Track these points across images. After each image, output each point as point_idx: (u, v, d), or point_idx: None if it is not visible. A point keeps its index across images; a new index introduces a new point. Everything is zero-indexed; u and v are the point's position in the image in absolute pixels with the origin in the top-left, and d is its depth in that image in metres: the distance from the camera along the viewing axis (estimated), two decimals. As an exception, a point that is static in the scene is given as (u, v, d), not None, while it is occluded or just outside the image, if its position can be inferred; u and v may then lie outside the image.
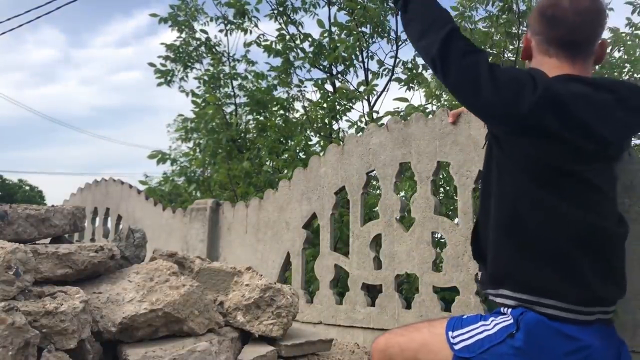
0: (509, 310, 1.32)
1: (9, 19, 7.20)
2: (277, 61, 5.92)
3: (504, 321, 1.31)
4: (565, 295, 1.28)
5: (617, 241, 1.40)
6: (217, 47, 6.50)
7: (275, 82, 6.20)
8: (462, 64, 1.38)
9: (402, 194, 4.73)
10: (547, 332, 1.26)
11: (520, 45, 5.00)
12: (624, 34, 5.00)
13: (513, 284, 1.33)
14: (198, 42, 6.48)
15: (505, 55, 4.95)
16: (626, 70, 4.75)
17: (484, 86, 1.33)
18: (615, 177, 1.46)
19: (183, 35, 6.41)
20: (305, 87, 6.10)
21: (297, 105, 6.11)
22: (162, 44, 6.44)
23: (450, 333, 1.38)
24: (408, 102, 4.42)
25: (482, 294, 1.47)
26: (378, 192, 4.08)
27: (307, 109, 5.90)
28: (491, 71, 1.34)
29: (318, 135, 5.85)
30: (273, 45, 5.94)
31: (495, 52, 4.92)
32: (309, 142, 5.78)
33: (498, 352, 1.28)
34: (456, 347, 1.35)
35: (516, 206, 1.35)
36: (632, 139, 1.51)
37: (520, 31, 4.90)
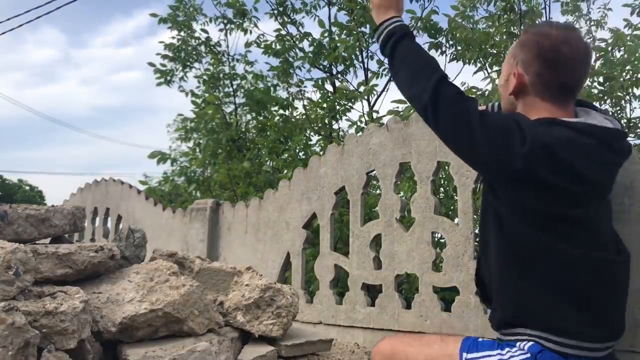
0: (526, 345, 1.31)
1: (9, 19, 7.21)
2: (277, 61, 5.93)
3: (521, 354, 1.31)
4: (584, 334, 1.30)
5: (620, 271, 1.42)
6: (217, 47, 6.50)
7: (275, 82, 6.20)
8: (453, 111, 1.37)
9: (402, 194, 4.73)
10: None
11: None
12: (624, 34, 5.00)
13: (529, 325, 1.33)
14: (197, 42, 6.48)
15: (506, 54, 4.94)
16: (627, 69, 4.75)
17: (476, 135, 1.32)
18: (609, 207, 1.50)
19: (182, 34, 6.40)
20: (305, 87, 6.10)
21: (298, 103, 6.11)
22: (160, 42, 6.45)
23: (464, 354, 1.38)
24: (406, 104, 4.43)
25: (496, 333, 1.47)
26: (378, 192, 4.08)
27: (307, 107, 5.91)
28: (482, 119, 1.34)
29: (318, 135, 5.86)
30: (273, 46, 5.94)
31: (495, 52, 4.92)
32: (309, 142, 5.78)
33: None
34: None
35: (519, 251, 1.35)
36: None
37: (520, 31, 4.90)
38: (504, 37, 4.93)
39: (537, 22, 5.29)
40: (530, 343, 1.31)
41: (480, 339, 1.44)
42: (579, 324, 1.30)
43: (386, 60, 1.61)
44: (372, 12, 1.63)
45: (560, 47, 1.42)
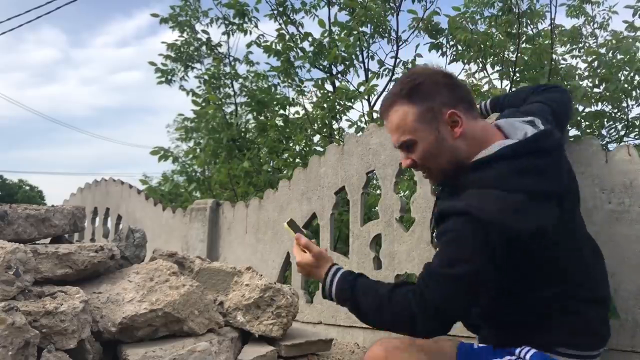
0: (528, 354, 1.31)
1: (9, 19, 7.22)
2: (278, 61, 5.92)
3: None
4: (581, 345, 1.32)
5: (603, 273, 1.45)
6: (218, 48, 6.51)
7: (276, 81, 6.20)
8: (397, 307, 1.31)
9: (401, 194, 4.73)
10: None
11: (522, 44, 5.01)
12: (622, 36, 5.01)
13: (530, 343, 1.33)
14: (199, 42, 6.48)
15: (506, 54, 4.94)
16: (627, 72, 4.76)
17: (465, 294, 1.26)
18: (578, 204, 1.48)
19: (185, 35, 6.40)
20: (305, 86, 6.10)
21: (303, 101, 6.11)
22: (163, 42, 6.45)
23: None
24: None
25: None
26: (378, 192, 4.08)
27: (307, 107, 5.91)
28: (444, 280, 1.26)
29: (318, 135, 5.86)
30: (273, 46, 5.94)
31: (496, 51, 4.92)
32: (309, 142, 5.78)
33: None
34: None
35: (512, 291, 1.34)
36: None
37: (520, 31, 4.91)
38: (504, 37, 4.93)
39: (534, 23, 5.30)
40: (533, 351, 1.30)
41: (475, 346, 1.43)
42: (575, 338, 1.32)
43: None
44: (306, 276, 1.65)
45: (439, 71, 1.42)
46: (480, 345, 1.43)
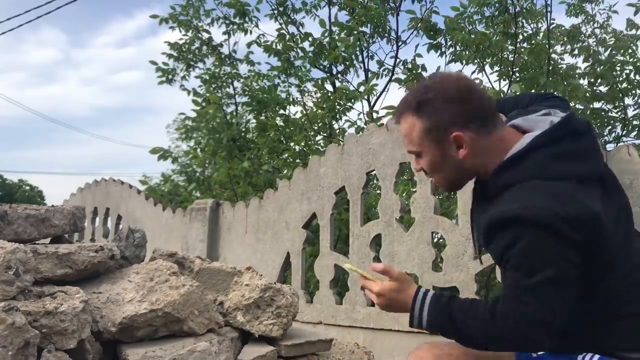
0: (594, 358, 1.26)
1: (9, 19, 7.22)
2: (278, 61, 5.92)
3: None
4: None
5: None
6: (220, 48, 6.50)
7: (276, 81, 6.20)
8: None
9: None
10: None
11: (520, 44, 5.01)
12: (622, 34, 5.02)
13: (592, 349, 1.28)
14: (200, 42, 6.48)
15: (504, 55, 4.94)
16: (628, 71, 4.77)
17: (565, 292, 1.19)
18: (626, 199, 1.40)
19: (189, 34, 6.39)
20: (305, 86, 6.10)
21: (303, 99, 6.10)
22: (166, 42, 6.44)
23: None
24: (393, 109, 4.45)
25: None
26: (378, 192, 4.08)
27: (308, 107, 5.91)
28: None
29: (318, 134, 5.86)
30: (273, 46, 5.94)
31: (495, 52, 4.92)
32: (309, 142, 5.78)
33: None
34: None
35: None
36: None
37: (517, 31, 4.91)
38: (501, 37, 4.93)
39: (532, 22, 5.29)
40: (597, 357, 1.25)
41: (534, 355, 1.37)
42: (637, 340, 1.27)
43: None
44: (390, 311, 1.40)
45: (455, 84, 1.33)
46: (540, 353, 1.37)
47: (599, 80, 4.54)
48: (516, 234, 1.18)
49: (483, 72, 5.16)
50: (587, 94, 4.50)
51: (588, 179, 1.24)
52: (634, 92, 4.86)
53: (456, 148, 1.32)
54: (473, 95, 1.33)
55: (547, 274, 1.16)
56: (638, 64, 4.84)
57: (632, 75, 4.90)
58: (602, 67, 4.53)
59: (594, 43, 5.54)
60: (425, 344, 1.47)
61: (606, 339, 1.26)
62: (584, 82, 4.65)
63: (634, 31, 5.12)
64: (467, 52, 5.03)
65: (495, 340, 1.25)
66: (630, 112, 4.81)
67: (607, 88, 4.49)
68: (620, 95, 4.64)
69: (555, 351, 1.32)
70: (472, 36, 4.86)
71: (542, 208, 1.16)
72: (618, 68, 4.72)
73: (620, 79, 4.67)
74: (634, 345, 1.25)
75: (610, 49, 4.91)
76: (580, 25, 5.66)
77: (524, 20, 5.19)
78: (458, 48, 5.22)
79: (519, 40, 4.94)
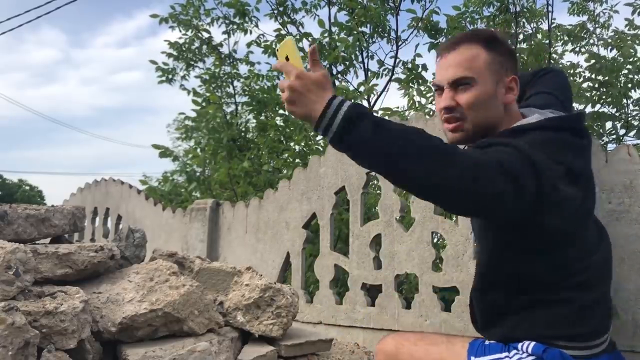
0: (529, 346, 1.30)
1: (9, 19, 7.22)
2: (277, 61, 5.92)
3: (528, 357, 1.29)
4: (580, 336, 1.30)
5: (605, 269, 1.43)
6: (220, 47, 6.50)
7: (276, 81, 6.20)
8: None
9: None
10: None
11: (520, 44, 5.00)
12: (624, 34, 5.01)
13: (533, 337, 1.32)
14: (201, 41, 6.47)
15: None
16: (627, 71, 4.76)
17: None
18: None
19: (189, 33, 6.38)
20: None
21: None
22: (166, 41, 6.44)
23: (472, 358, 1.37)
24: (391, 111, 4.49)
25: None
26: (378, 192, 4.08)
27: None
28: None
29: (318, 135, 5.86)
30: (273, 46, 5.94)
31: None
32: (309, 142, 5.78)
33: None
34: None
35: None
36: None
37: (517, 30, 4.91)
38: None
39: (532, 22, 5.30)
40: (533, 343, 1.30)
41: (487, 342, 1.42)
42: (574, 329, 1.31)
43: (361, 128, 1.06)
44: (292, 108, 1.13)
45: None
46: (491, 341, 1.42)
47: (603, 88, 4.54)
48: (500, 145, 1.21)
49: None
50: (587, 97, 4.50)
51: (577, 174, 1.28)
52: (634, 91, 4.85)
53: (506, 91, 1.38)
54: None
55: (513, 155, 1.14)
56: (639, 64, 4.84)
57: (631, 76, 4.90)
58: (605, 71, 4.52)
59: (597, 43, 5.53)
60: (387, 335, 1.52)
61: (539, 324, 1.30)
62: (584, 85, 4.64)
63: (632, 31, 5.12)
64: None
65: (443, 175, 1.02)
66: (630, 111, 4.81)
67: (615, 93, 4.48)
68: (621, 95, 4.63)
69: (506, 340, 1.36)
70: None
71: (532, 150, 1.19)
72: (624, 71, 4.72)
73: (622, 79, 4.66)
74: (563, 333, 1.29)
75: (613, 50, 4.91)
76: (586, 22, 5.65)
77: (524, 20, 5.18)
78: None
79: (519, 40, 4.94)
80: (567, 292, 1.30)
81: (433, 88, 1.46)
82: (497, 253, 1.36)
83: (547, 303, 1.31)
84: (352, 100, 1.18)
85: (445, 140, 1.22)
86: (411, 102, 4.72)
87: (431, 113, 4.56)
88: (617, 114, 4.76)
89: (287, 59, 1.17)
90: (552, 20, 4.98)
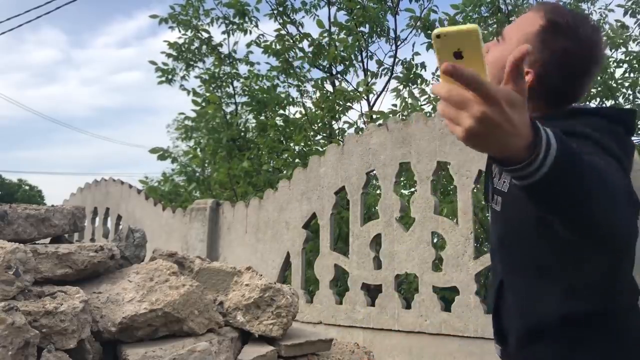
0: None
1: (9, 19, 7.22)
2: (277, 61, 5.93)
3: None
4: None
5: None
6: (219, 47, 6.50)
7: (276, 82, 6.20)
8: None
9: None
10: None
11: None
12: (617, 29, 5.03)
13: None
14: (200, 41, 6.47)
15: None
16: (624, 68, 4.77)
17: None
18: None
19: (189, 33, 6.39)
20: (305, 86, 6.11)
21: (303, 99, 6.10)
22: (165, 41, 6.44)
23: None
24: (384, 113, 4.51)
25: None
26: (378, 191, 4.08)
27: (307, 107, 5.92)
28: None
29: (318, 135, 5.86)
30: (273, 46, 5.94)
31: None
32: (309, 142, 5.78)
33: None
34: None
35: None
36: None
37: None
38: (494, 36, 4.94)
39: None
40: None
41: None
42: None
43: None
44: (475, 143, 0.75)
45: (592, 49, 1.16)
46: None
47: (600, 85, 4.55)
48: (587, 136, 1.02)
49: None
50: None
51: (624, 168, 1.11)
52: (627, 89, 4.87)
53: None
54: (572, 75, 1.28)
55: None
56: (634, 63, 4.85)
57: (628, 74, 4.91)
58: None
59: None
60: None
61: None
62: None
63: (625, 31, 5.14)
64: None
65: (613, 217, 0.88)
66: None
67: (600, 87, 4.50)
68: (609, 94, 4.64)
69: None
70: None
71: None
72: (613, 65, 4.73)
73: (612, 75, 4.68)
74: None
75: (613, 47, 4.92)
76: None
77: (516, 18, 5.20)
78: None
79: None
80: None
81: (497, 38, 1.25)
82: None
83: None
84: (548, 131, 0.82)
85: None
86: (403, 104, 4.72)
87: (428, 114, 4.56)
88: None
89: (456, 55, 0.73)
90: None
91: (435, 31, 0.71)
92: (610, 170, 0.91)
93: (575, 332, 1.13)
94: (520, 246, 1.21)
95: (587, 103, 4.55)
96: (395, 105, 4.67)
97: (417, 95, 4.86)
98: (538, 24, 1.16)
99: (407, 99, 4.74)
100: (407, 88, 5.11)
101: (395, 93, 5.01)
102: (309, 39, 5.77)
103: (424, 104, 4.66)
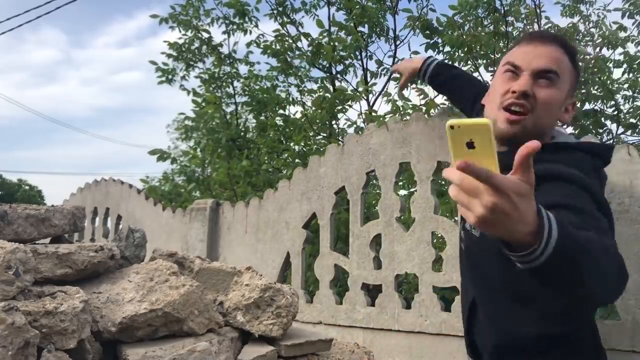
0: None
1: (8, 19, 7.22)
2: (276, 61, 5.93)
3: None
4: None
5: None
6: (219, 47, 6.50)
7: (276, 82, 6.20)
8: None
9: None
10: None
11: (511, 42, 5.00)
12: (616, 29, 5.04)
13: None
14: (200, 41, 6.47)
15: (495, 55, 4.94)
16: (624, 68, 4.77)
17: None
18: None
19: (189, 33, 6.38)
20: (304, 86, 6.11)
21: (303, 99, 6.10)
22: (165, 41, 6.43)
23: None
24: (377, 115, 4.53)
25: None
26: (378, 191, 4.08)
27: (307, 107, 5.92)
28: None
29: (317, 135, 5.86)
30: (273, 46, 5.94)
31: (484, 52, 4.92)
32: (309, 142, 5.78)
33: None
34: None
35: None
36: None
37: (507, 29, 4.92)
38: (491, 37, 4.92)
39: (528, 21, 5.29)
40: None
41: None
42: None
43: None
44: (486, 229, 0.82)
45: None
46: None
47: (589, 81, 4.54)
48: (569, 187, 1.14)
49: (478, 73, 5.16)
50: (578, 95, 4.50)
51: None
52: (628, 90, 4.87)
53: (566, 109, 1.37)
54: None
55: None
56: (633, 64, 4.85)
57: (627, 75, 4.91)
58: (590, 66, 4.52)
59: (588, 43, 5.54)
60: None
61: None
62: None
63: (623, 32, 5.14)
64: (458, 53, 5.03)
65: (613, 289, 1.02)
66: (628, 109, 4.81)
67: (599, 89, 4.49)
68: (607, 91, 4.63)
69: None
70: (464, 36, 4.86)
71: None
72: (611, 65, 4.74)
73: (610, 76, 4.68)
74: None
75: (598, 47, 4.92)
76: (577, 23, 5.66)
77: (514, 19, 5.18)
78: (449, 48, 5.21)
79: (510, 39, 4.93)
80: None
81: (505, 67, 1.33)
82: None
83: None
84: (552, 218, 0.86)
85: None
86: (394, 107, 4.72)
87: (427, 115, 4.56)
88: (609, 112, 4.76)
89: (468, 145, 0.77)
90: (545, 20, 4.98)
91: (450, 122, 0.77)
92: (604, 246, 0.96)
93: (548, 348, 1.24)
94: (496, 271, 1.27)
95: (587, 103, 4.55)
96: (389, 112, 4.65)
97: (416, 95, 4.87)
98: (568, 64, 1.34)
99: (397, 102, 4.74)
100: (395, 88, 5.11)
101: (385, 98, 5.02)
102: (309, 38, 5.77)
103: (422, 105, 4.66)
